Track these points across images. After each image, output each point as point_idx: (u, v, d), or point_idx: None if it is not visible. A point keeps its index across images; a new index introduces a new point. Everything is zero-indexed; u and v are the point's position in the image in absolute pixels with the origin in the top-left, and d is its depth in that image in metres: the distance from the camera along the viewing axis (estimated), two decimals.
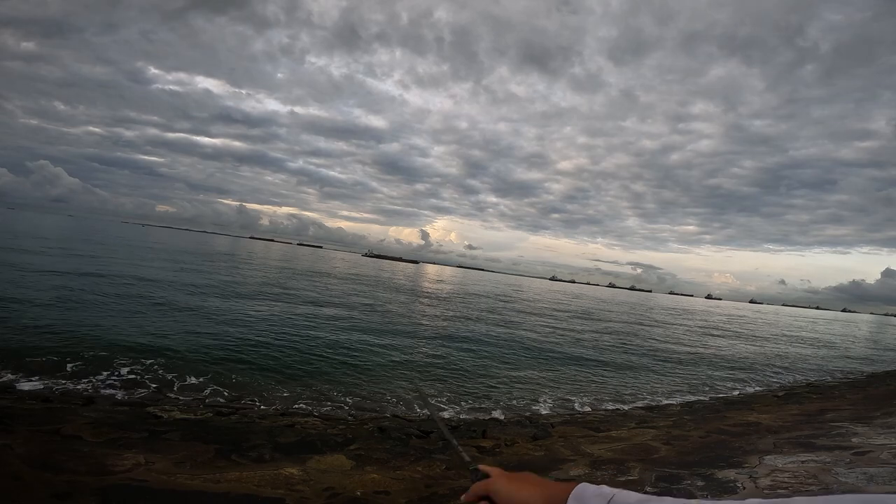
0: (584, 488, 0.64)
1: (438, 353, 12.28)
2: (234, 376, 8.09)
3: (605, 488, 0.62)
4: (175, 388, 7.17)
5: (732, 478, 4.32)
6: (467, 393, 9.07)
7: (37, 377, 6.76)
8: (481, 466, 0.84)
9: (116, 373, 7.43)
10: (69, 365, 7.47)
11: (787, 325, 47.42)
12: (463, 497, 0.81)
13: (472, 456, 0.96)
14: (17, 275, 15.77)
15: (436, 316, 21.09)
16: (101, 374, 7.26)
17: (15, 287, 13.34)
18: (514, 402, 9.02)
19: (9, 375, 6.69)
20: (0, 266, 17.45)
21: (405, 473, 4.27)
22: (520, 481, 0.74)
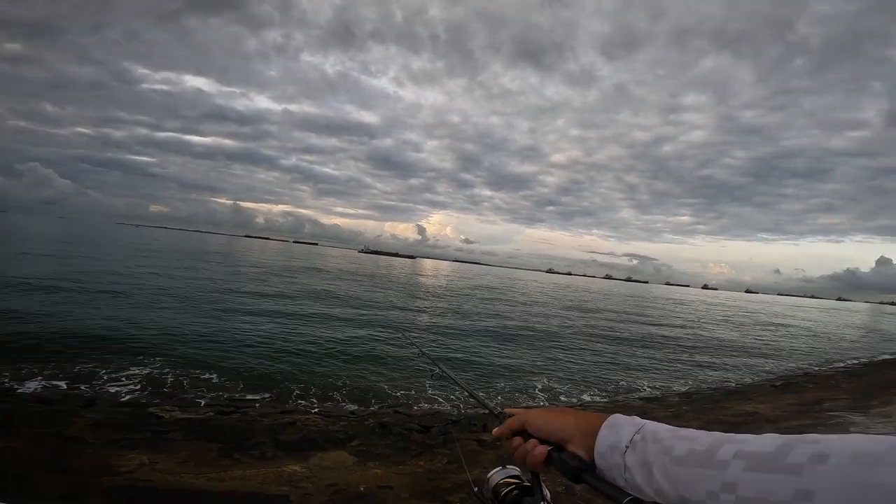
0: (616, 418, 0.67)
1: (437, 348, 12.32)
2: (233, 375, 8.10)
3: (636, 419, 0.66)
4: (175, 388, 7.18)
5: None
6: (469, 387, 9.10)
7: (38, 380, 6.76)
8: (507, 409, 0.86)
9: (116, 374, 7.42)
10: (69, 367, 7.46)
11: (782, 315, 47.75)
12: (494, 431, 0.83)
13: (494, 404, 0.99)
14: (13, 279, 15.70)
15: (433, 310, 21.14)
16: (102, 376, 7.26)
17: (11, 291, 13.29)
18: (515, 394, 9.09)
19: (10, 378, 6.69)
20: None
21: (407, 468, 4.31)
22: (554, 412, 0.77)
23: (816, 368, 14.97)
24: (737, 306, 59.17)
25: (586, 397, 9.37)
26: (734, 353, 16.94)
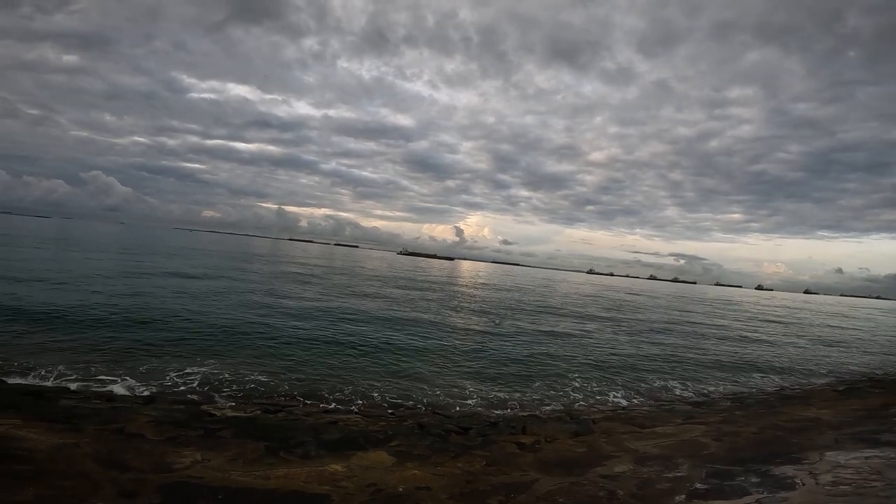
0: None
1: (477, 350, 12.28)
2: (279, 375, 8.38)
3: None
4: (226, 387, 7.51)
5: (791, 474, 4.14)
6: (507, 388, 9.04)
7: (101, 378, 7.25)
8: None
9: (174, 373, 7.85)
10: (131, 367, 7.95)
11: (844, 316, 44.75)
12: None
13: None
14: (80, 284, 16.81)
15: (473, 312, 21.08)
16: (161, 375, 7.70)
17: (79, 296, 14.23)
18: (550, 392, 8.98)
19: (76, 377, 7.20)
20: (62, 275, 18.66)
21: (445, 469, 4.32)
22: None
23: (882, 373, 13.94)
24: (794, 307, 55.90)
25: (622, 399, 9.11)
26: (790, 357, 16.01)
